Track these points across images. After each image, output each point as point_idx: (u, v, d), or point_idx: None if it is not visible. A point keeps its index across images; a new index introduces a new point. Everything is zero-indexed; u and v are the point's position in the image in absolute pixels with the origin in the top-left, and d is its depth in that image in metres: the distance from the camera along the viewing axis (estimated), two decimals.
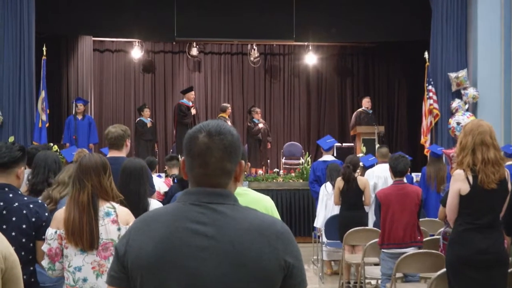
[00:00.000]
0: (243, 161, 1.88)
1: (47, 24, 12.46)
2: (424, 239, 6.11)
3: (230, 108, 14.20)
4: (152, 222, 1.80)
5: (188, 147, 1.84)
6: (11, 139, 10.02)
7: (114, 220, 3.48)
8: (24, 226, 3.56)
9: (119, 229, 3.46)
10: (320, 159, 10.02)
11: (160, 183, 8.10)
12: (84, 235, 3.40)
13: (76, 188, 3.51)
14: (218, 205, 1.79)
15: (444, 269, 4.41)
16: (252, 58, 16.16)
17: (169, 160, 9.00)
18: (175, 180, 7.71)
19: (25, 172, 4.96)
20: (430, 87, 11.72)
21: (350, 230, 7.28)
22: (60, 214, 3.51)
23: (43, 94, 11.12)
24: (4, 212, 3.55)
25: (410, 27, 13.28)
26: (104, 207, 3.51)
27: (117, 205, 3.56)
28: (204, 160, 1.80)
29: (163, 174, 10.46)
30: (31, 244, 3.61)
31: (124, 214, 3.54)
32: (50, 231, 3.50)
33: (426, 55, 11.87)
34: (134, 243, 1.79)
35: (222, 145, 1.81)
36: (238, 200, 1.87)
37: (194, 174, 1.84)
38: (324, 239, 8.45)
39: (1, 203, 3.56)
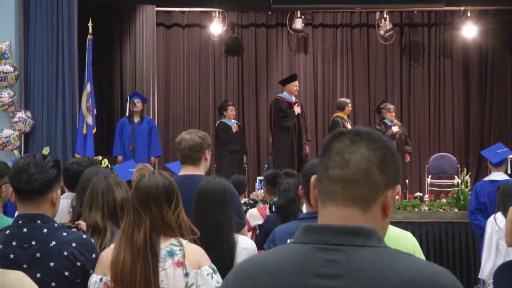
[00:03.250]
0: (399, 186, 1.86)
1: None
2: None
3: (350, 104, 14.26)
4: (260, 275, 1.81)
5: (324, 148, 1.86)
6: (46, 150, 10.26)
7: (180, 262, 3.52)
8: (66, 273, 3.59)
9: (186, 275, 3.52)
10: (486, 178, 10.01)
11: (252, 212, 8.12)
12: None
13: (129, 220, 3.57)
14: (355, 248, 1.78)
15: None
16: (382, 32, 16.08)
17: (269, 181, 8.85)
18: (273, 209, 7.66)
19: (67, 197, 5.04)
20: None
21: None
22: (106, 256, 3.60)
23: (88, 87, 11.29)
24: (38, 255, 3.56)
25: None
26: (167, 244, 3.57)
27: (185, 242, 3.60)
28: (343, 157, 1.82)
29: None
30: None
31: (195, 253, 3.59)
32: (93, 278, 3.58)
33: None
34: None
35: (374, 144, 1.82)
36: None
37: (326, 181, 1.85)
38: None
39: (33, 243, 3.58)
